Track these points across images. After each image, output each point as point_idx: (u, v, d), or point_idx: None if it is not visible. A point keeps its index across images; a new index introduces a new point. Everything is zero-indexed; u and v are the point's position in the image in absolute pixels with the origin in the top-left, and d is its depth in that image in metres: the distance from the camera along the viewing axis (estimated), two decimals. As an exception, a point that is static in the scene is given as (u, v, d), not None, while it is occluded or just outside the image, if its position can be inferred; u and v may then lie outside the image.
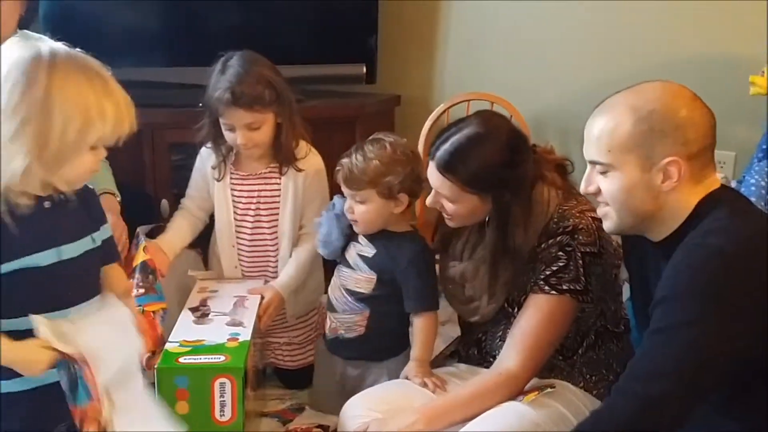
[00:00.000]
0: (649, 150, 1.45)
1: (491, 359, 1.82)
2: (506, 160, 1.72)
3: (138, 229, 2.14)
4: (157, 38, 2.95)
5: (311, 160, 2.23)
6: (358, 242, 2.01)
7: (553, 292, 1.71)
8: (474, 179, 1.71)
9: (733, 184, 2.61)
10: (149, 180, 2.82)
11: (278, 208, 2.21)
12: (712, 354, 1.36)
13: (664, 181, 1.46)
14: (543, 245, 1.74)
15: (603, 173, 1.51)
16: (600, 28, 2.98)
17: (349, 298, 2.01)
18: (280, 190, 2.20)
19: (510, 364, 1.71)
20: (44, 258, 1.43)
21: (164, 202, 2.75)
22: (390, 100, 3.28)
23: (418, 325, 1.95)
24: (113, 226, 2.03)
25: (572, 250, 1.71)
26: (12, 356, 1.40)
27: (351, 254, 2.02)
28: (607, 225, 1.56)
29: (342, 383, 2.04)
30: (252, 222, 2.22)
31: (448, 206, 1.76)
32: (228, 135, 2.11)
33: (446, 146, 1.72)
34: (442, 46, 3.31)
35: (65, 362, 1.40)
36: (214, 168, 2.21)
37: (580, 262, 1.70)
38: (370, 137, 1.99)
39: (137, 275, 2.03)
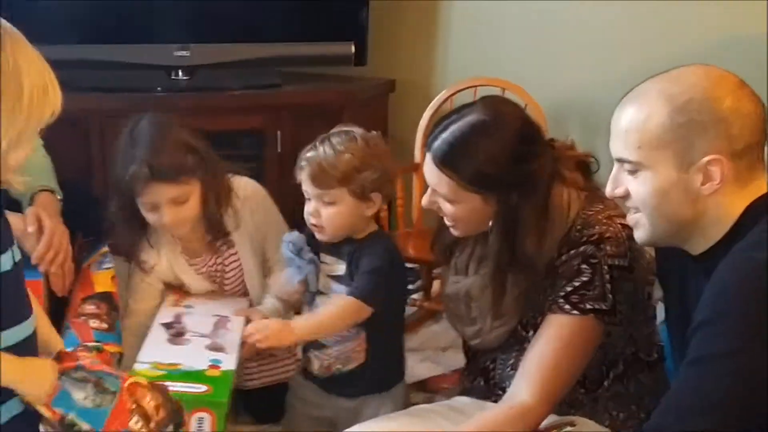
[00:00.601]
0: (686, 146, 1.43)
1: (500, 392, 1.80)
2: (516, 155, 1.70)
3: (106, 248, 2.14)
4: (105, 10, 2.92)
5: (250, 198, 2.22)
6: (324, 262, 2.01)
7: (575, 311, 1.69)
8: (476, 176, 1.70)
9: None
10: (98, 176, 2.81)
11: (239, 282, 2.27)
12: (761, 387, 1.32)
13: (704, 183, 1.44)
14: (564, 257, 1.72)
15: (632, 173, 1.49)
16: (632, 2, 2.99)
17: None
18: (238, 264, 2.25)
19: (523, 396, 1.68)
20: (6, 261, 1.43)
21: (115, 203, 2.74)
22: (383, 85, 3.30)
23: (335, 301, 1.95)
24: (52, 231, 2.03)
25: (598, 262, 1.69)
26: (18, 374, 1.42)
27: (320, 279, 2.02)
28: (639, 235, 1.55)
29: (331, 419, 2.05)
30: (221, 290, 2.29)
31: (446, 208, 1.75)
32: (149, 216, 2.08)
33: (445, 135, 1.71)
34: (444, 22, 3.32)
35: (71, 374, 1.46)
36: (144, 261, 2.19)
37: (607, 277, 1.69)
38: (333, 129, 1.96)
39: (100, 303, 2.02)
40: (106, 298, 2.03)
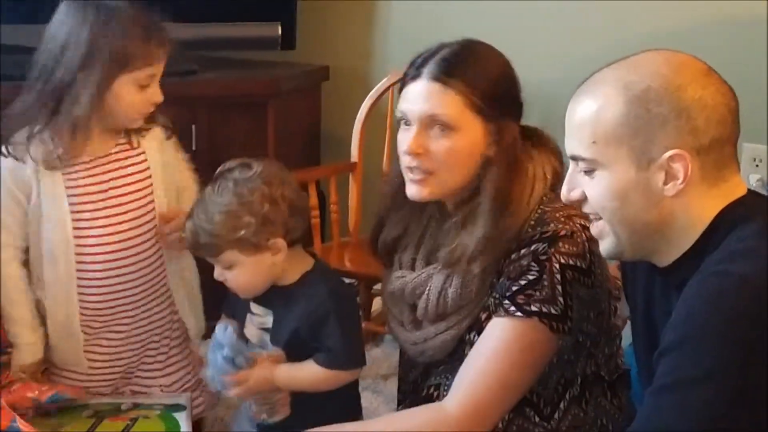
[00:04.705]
0: (645, 141, 1.46)
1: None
2: (511, 77, 1.81)
3: None
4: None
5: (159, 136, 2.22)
6: (253, 312, 2.04)
7: (519, 313, 1.71)
8: (484, 84, 1.76)
9: (771, 188, 2.70)
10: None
11: (143, 196, 2.17)
12: (736, 417, 1.35)
13: (666, 183, 1.47)
14: (513, 255, 1.76)
15: (588, 173, 1.52)
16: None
17: None
18: (144, 169, 2.18)
19: (446, 403, 1.72)
20: None
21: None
22: (315, 72, 3.31)
23: (315, 369, 1.97)
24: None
25: (547, 259, 1.72)
26: None
27: (251, 331, 2.04)
28: (604, 246, 1.57)
29: None
30: (105, 228, 2.15)
31: (438, 147, 1.76)
32: (138, 98, 2.09)
33: (440, 55, 1.78)
34: (384, 1, 3.33)
35: None
36: (48, 159, 2.08)
37: (558, 277, 1.71)
38: (214, 176, 1.98)
39: None
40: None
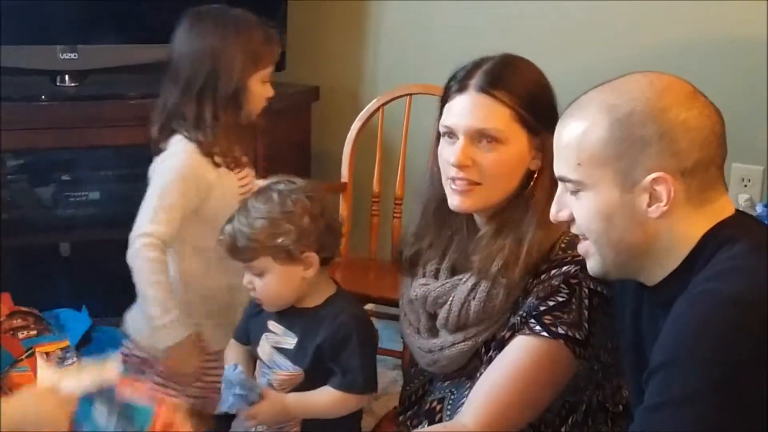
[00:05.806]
0: (629, 164, 1.48)
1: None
2: (550, 89, 1.83)
3: (66, 340, 2.17)
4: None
5: None
6: (271, 331, 2.06)
7: (545, 333, 1.73)
8: (528, 97, 1.79)
9: (760, 209, 2.72)
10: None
11: None
12: None
13: (650, 204, 1.48)
14: (543, 276, 1.78)
15: (574, 194, 1.54)
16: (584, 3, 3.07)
17: None
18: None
19: (463, 419, 1.73)
20: None
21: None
22: (305, 92, 3.32)
23: (330, 393, 2.00)
24: None
25: (578, 283, 1.74)
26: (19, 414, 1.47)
27: (264, 349, 2.06)
28: (591, 265, 1.59)
29: None
30: None
31: (486, 159, 1.78)
32: (262, 93, 2.31)
33: (484, 68, 1.81)
34: (374, 22, 3.35)
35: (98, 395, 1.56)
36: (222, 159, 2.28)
37: (586, 302, 1.74)
38: (259, 188, 2.06)
39: (26, 317, 2.09)
40: (30, 313, 2.11)
